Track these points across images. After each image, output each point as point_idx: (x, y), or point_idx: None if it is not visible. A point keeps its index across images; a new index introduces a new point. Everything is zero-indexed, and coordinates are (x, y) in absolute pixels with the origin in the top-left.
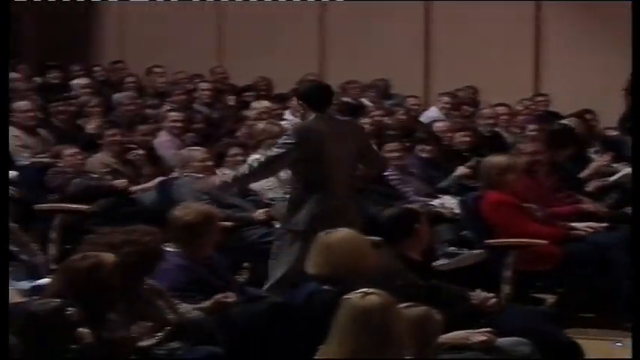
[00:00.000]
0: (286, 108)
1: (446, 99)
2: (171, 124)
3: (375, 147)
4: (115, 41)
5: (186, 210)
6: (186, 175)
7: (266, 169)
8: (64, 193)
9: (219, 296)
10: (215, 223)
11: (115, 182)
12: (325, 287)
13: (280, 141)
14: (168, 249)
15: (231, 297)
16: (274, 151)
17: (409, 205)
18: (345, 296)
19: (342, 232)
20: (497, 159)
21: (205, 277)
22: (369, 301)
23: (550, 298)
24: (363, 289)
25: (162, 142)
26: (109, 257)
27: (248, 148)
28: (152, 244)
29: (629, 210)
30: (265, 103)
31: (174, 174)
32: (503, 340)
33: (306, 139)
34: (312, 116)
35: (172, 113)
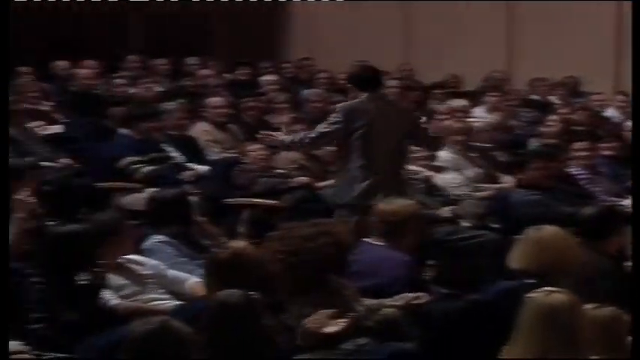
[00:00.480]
0: (476, 105)
1: (620, 97)
2: None
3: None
4: (303, 39)
5: (392, 204)
6: None
7: (316, 142)
8: (249, 191)
9: (410, 295)
10: (420, 219)
11: (298, 179)
12: (531, 281)
13: (329, 119)
14: (371, 242)
15: (422, 297)
16: (324, 127)
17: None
18: (529, 295)
19: (552, 229)
20: None
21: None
22: (555, 298)
23: None
24: (547, 288)
25: None
26: (243, 243)
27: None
28: (344, 236)
29: None
30: (462, 102)
31: None
32: None
33: (350, 118)
34: (362, 97)
35: None
